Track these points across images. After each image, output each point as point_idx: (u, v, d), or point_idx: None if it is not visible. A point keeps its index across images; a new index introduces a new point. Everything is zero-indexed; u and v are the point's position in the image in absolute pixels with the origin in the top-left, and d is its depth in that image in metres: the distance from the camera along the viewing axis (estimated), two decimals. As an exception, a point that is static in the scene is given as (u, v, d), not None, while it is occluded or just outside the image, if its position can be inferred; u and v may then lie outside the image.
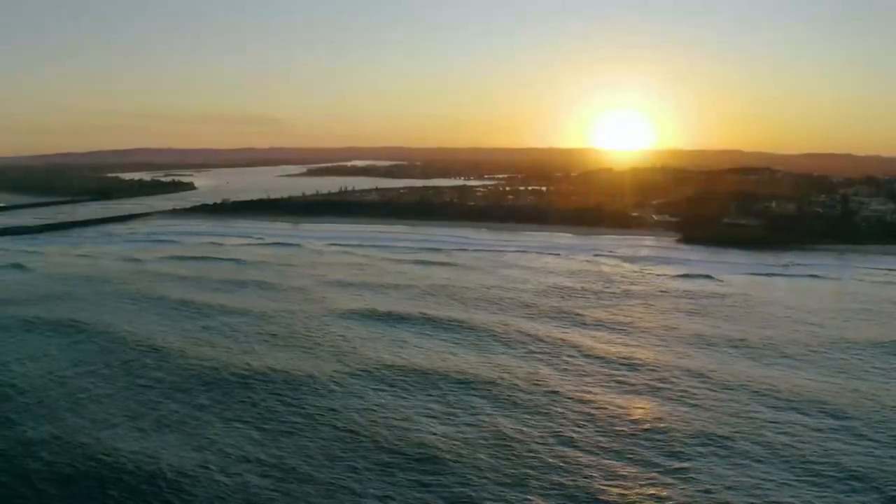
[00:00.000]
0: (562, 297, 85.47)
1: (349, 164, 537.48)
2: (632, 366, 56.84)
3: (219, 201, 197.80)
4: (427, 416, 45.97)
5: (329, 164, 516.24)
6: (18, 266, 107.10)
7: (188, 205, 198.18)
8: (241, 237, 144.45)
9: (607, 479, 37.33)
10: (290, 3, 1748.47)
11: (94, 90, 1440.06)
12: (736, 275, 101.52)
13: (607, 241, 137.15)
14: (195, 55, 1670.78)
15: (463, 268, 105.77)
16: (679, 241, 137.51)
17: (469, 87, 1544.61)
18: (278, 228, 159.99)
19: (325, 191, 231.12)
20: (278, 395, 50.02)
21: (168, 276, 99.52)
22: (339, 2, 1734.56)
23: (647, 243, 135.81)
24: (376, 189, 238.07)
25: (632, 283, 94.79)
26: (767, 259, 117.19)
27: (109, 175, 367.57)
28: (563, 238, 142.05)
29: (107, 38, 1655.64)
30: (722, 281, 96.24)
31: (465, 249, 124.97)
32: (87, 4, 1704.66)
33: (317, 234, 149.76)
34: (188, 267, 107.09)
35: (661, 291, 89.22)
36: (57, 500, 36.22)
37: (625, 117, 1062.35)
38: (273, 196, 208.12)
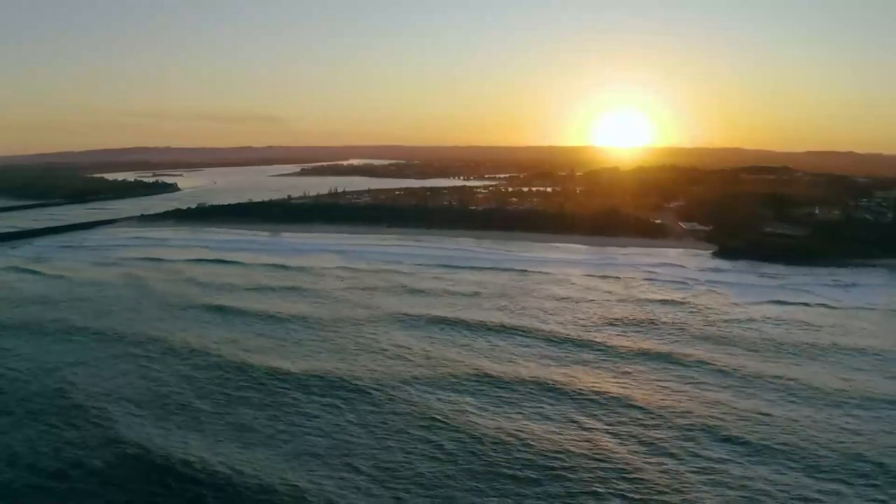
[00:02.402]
0: (637, 335, 66.69)
1: (345, 163, 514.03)
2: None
3: (194, 205, 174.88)
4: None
5: (325, 163, 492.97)
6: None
7: (161, 210, 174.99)
8: (189, 248, 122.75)
9: None
10: (293, 1, 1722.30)
11: (93, 88, 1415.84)
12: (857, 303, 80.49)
13: (633, 255, 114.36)
14: (196, 54, 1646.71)
15: (474, 296, 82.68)
16: (715, 253, 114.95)
17: (469, 85, 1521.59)
18: (253, 237, 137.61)
19: (314, 192, 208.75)
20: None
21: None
22: (341, 0, 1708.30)
23: (681, 257, 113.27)
24: (369, 191, 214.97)
25: (703, 312, 74.81)
26: (837, 276, 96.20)
27: (95, 175, 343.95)
28: (582, 251, 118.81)
29: (107, 37, 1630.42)
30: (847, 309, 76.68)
31: (468, 268, 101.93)
32: (88, 3, 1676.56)
33: (295, 244, 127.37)
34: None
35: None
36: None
37: (624, 115, 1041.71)
38: (256, 199, 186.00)
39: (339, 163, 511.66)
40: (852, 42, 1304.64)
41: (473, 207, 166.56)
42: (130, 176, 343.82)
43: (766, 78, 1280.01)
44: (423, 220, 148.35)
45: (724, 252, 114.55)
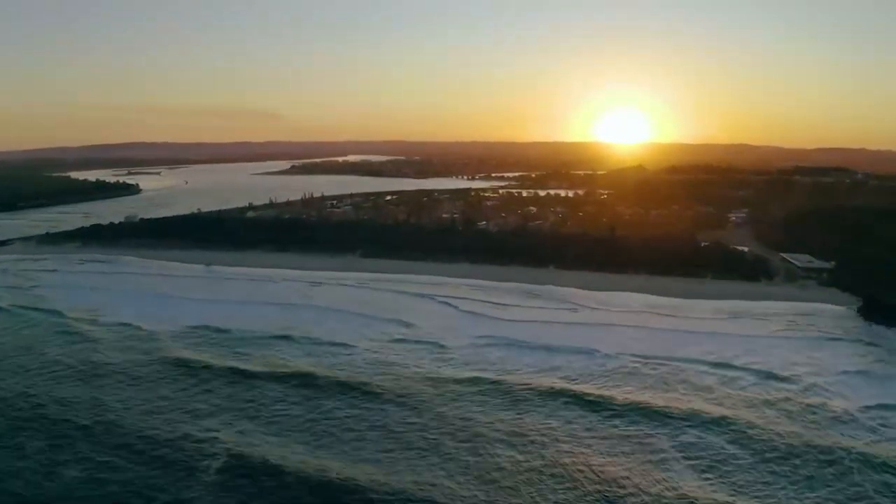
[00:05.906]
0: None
1: (341, 159, 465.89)
2: None
3: (117, 221, 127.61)
4: None
5: (318, 160, 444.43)
6: None
7: (72, 227, 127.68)
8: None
9: None
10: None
11: (94, 85, 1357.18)
12: None
13: (741, 316, 68.46)
14: (196, 50, 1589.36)
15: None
16: (862, 314, 69.11)
17: (472, 82, 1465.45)
18: (173, 273, 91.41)
19: (288, 197, 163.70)
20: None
21: None
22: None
23: (812, 319, 67.52)
24: (352, 197, 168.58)
25: None
26: None
27: (62, 175, 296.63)
28: (666, 310, 70.64)
29: (106, 32, 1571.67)
30: None
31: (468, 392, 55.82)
32: (93, 1, 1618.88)
33: (219, 295, 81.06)
34: None
35: None
36: None
37: (628, 111, 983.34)
38: (223, 206, 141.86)
39: (335, 159, 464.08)
40: (854, 40, 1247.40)
41: (483, 224, 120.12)
42: (109, 175, 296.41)
43: (771, 74, 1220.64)
44: (414, 245, 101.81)
45: (875, 311, 68.64)
